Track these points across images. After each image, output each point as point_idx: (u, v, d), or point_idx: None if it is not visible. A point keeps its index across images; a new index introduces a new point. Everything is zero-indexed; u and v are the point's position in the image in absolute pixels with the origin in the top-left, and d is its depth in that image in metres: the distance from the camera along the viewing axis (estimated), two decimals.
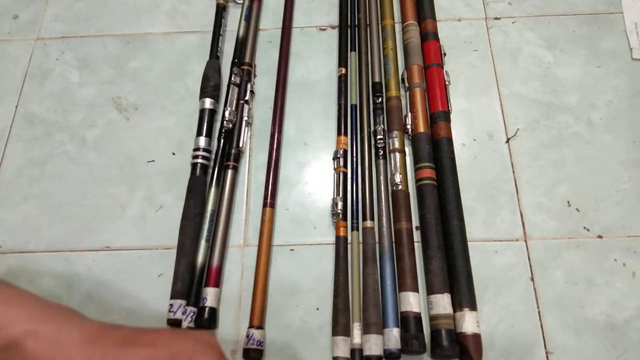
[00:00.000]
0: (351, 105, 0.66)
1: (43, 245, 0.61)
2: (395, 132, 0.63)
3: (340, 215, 0.58)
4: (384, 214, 0.58)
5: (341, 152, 0.62)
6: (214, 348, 0.40)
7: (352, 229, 0.58)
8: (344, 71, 0.68)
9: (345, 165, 0.62)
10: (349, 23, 0.73)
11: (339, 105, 0.66)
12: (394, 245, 0.57)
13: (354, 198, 0.60)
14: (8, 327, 0.33)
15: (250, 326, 0.54)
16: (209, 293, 0.55)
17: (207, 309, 0.54)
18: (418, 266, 0.56)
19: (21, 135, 0.69)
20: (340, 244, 0.57)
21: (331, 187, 0.62)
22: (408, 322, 0.51)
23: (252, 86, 0.69)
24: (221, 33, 0.73)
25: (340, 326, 0.52)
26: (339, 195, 0.60)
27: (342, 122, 0.65)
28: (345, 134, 0.64)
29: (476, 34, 0.72)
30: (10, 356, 0.33)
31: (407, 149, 0.63)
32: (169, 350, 0.37)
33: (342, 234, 0.58)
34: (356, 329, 0.52)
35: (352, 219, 0.59)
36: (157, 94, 0.71)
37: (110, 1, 0.79)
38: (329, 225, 0.61)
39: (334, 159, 0.63)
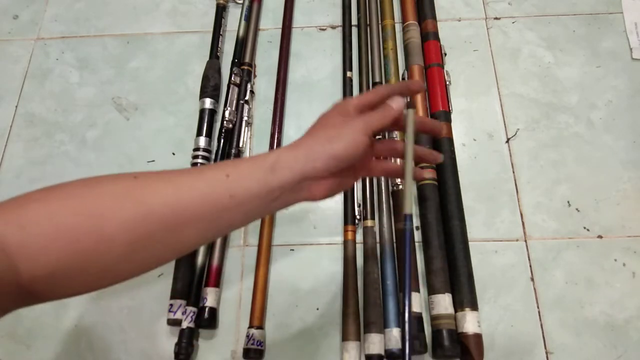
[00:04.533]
0: None
1: None
2: (396, 132, 0.62)
3: (357, 219, 0.59)
4: (384, 213, 0.58)
5: None
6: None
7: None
8: (350, 74, 0.68)
9: None
10: (353, 23, 0.73)
11: None
12: (394, 245, 0.57)
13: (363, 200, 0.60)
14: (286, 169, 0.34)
15: (250, 326, 0.54)
16: (209, 293, 0.55)
17: (207, 309, 0.54)
18: (419, 266, 0.56)
19: (21, 135, 0.69)
20: (349, 248, 0.57)
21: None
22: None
23: (252, 86, 0.69)
24: (221, 33, 0.73)
25: (350, 332, 0.52)
26: (354, 200, 0.60)
27: None
28: None
29: (476, 34, 0.72)
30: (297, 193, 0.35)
31: None
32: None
33: (349, 237, 0.58)
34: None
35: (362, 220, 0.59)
36: (157, 94, 0.71)
37: (110, 1, 0.79)
38: (330, 226, 0.60)
39: None
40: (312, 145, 0.35)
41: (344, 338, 0.52)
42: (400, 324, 0.50)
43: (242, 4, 0.74)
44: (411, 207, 0.40)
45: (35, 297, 0.29)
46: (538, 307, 0.55)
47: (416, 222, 0.59)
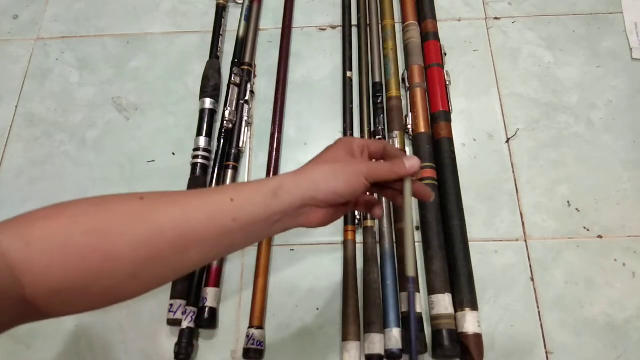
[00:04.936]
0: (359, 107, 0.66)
1: None
2: (396, 132, 0.63)
3: (357, 219, 0.59)
4: (384, 214, 0.58)
5: None
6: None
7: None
8: (350, 74, 0.68)
9: None
10: (353, 23, 0.73)
11: (345, 107, 0.66)
12: (394, 245, 0.57)
13: None
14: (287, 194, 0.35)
15: (250, 326, 0.54)
16: (209, 293, 0.55)
17: (207, 309, 0.54)
18: (419, 266, 0.56)
19: (21, 135, 0.69)
20: (349, 248, 0.57)
21: None
22: (409, 322, 0.51)
23: (252, 86, 0.69)
24: (221, 33, 0.73)
25: (350, 332, 0.52)
26: None
27: (349, 125, 0.65)
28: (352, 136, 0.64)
29: (476, 34, 0.72)
30: (295, 218, 0.37)
31: (408, 149, 0.63)
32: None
33: (349, 237, 0.58)
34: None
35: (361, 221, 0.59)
36: (157, 94, 0.71)
37: (110, 1, 0.79)
38: (330, 226, 0.60)
39: None
40: (315, 176, 0.37)
41: (344, 338, 0.52)
42: None
43: (242, 4, 0.74)
44: (415, 269, 0.42)
45: (39, 313, 0.29)
46: (538, 307, 0.55)
47: (416, 222, 0.59)
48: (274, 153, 0.64)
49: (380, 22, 0.72)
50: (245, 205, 0.34)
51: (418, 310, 0.53)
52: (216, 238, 0.33)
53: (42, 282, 0.28)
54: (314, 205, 0.37)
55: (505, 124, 0.65)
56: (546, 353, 0.53)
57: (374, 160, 0.41)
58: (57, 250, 0.28)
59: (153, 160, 0.66)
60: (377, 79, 0.67)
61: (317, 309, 0.56)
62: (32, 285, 0.28)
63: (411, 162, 0.39)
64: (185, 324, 0.53)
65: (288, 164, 0.65)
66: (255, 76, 0.71)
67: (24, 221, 0.29)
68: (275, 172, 0.63)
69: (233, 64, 0.69)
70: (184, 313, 0.54)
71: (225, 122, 0.64)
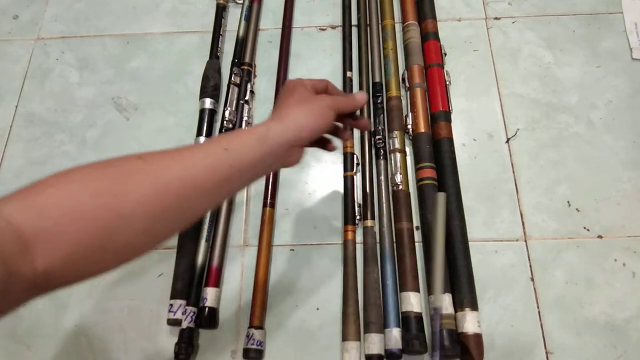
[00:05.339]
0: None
1: None
2: (396, 132, 0.63)
3: (357, 219, 0.59)
4: (384, 214, 0.58)
5: (349, 156, 0.62)
6: None
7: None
8: (350, 74, 0.68)
9: (353, 169, 0.62)
10: (353, 23, 0.73)
11: None
12: (394, 245, 0.57)
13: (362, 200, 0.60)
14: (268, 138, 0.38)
15: (250, 326, 0.54)
16: (209, 293, 0.55)
17: (207, 309, 0.54)
18: (419, 266, 0.56)
19: (21, 135, 0.69)
20: (349, 248, 0.57)
21: (331, 188, 0.62)
22: (409, 322, 0.51)
23: (252, 86, 0.69)
24: (221, 33, 0.73)
25: (350, 332, 0.52)
26: (354, 200, 0.60)
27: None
28: (352, 136, 0.64)
29: (476, 34, 0.72)
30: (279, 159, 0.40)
31: (408, 149, 0.63)
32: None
33: (349, 237, 0.58)
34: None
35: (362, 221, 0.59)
36: (157, 94, 0.71)
37: (110, 1, 0.79)
38: (330, 226, 0.60)
39: (344, 164, 0.63)
40: (297, 119, 0.40)
41: (344, 338, 0.52)
42: None
43: (242, 4, 0.74)
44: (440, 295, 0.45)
45: (51, 284, 0.30)
46: (538, 307, 0.55)
47: (416, 222, 0.59)
48: None
49: (380, 22, 0.72)
50: (239, 153, 0.37)
51: (418, 310, 0.52)
52: (216, 185, 0.36)
53: (58, 248, 0.28)
54: (298, 145, 0.41)
55: (505, 124, 0.65)
56: (546, 353, 0.53)
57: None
58: (69, 215, 0.29)
59: None
60: (377, 79, 0.67)
61: (317, 309, 0.56)
62: (47, 254, 0.28)
63: (361, 95, 0.46)
64: (185, 324, 0.53)
65: None
66: (255, 76, 0.71)
67: (32, 191, 0.30)
68: (275, 172, 0.63)
69: (233, 64, 0.69)
70: (184, 313, 0.54)
71: (225, 122, 0.64)
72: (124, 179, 0.32)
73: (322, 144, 0.48)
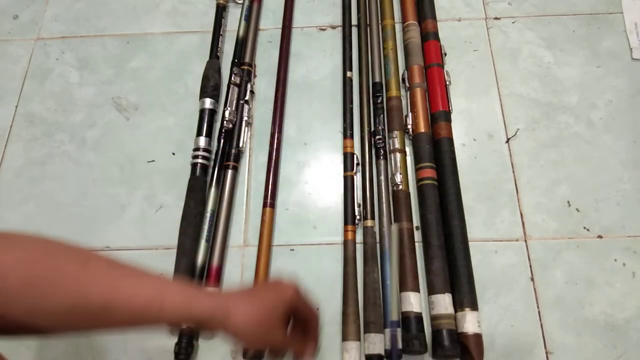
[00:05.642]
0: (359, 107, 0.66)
1: None
2: (396, 132, 0.63)
3: (357, 219, 0.59)
4: (384, 214, 0.58)
5: (349, 156, 0.62)
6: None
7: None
8: (350, 74, 0.68)
9: (353, 169, 0.62)
10: (353, 23, 0.73)
11: (345, 107, 0.66)
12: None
13: (363, 200, 0.60)
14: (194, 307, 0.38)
15: None
16: None
17: None
18: (419, 266, 0.56)
19: (21, 135, 0.69)
20: (349, 248, 0.57)
21: (331, 187, 0.62)
22: (409, 322, 0.51)
23: (252, 86, 0.69)
24: (221, 33, 0.73)
25: (350, 332, 0.52)
26: (354, 200, 0.60)
27: (349, 125, 0.65)
28: (352, 137, 0.64)
29: (476, 34, 0.72)
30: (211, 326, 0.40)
31: (408, 149, 0.63)
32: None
33: (349, 237, 0.58)
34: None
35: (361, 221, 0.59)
36: (157, 94, 0.71)
37: (110, 1, 0.79)
38: (330, 226, 0.60)
39: (344, 164, 0.63)
40: (243, 330, 0.40)
41: (344, 338, 0.52)
42: None
43: (242, 4, 0.74)
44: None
45: None
46: (538, 307, 0.55)
47: (416, 222, 0.59)
48: (274, 153, 0.64)
49: (380, 22, 0.72)
50: (170, 316, 0.37)
51: (418, 310, 0.52)
52: (129, 326, 0.37)
53: None
54: (224, 333, 0.41)
55: (505, 124, 0.65)
56: (546, 353, 0.53)
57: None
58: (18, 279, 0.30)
59: (153, 160, 0.66)
60: (377, 79, 0.67)
61: (317, 309, 0.56)
62: None
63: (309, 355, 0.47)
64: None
65: (288, 164, 0.65)
66: (255, 76, 0.71)
67: None
68: (275, 172, 0.63)
69: (233, 64, 0.69)
70: None
71: (225, 122, 0.64)
72: (58, 281, 0.33)
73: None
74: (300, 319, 0.47)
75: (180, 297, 0.38)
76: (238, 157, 0.64)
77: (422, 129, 0.62)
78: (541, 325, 0.54)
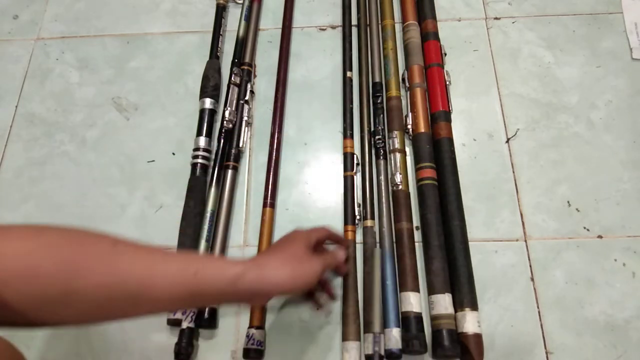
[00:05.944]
0: (359, 108, 0.66)
1: None
2: (396, 132, 0.63)
3: (357, 219, 0.59)
4: (384, 214, 0.58)
5: (349, 156, 0.62)
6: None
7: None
8: (350, 74, 0.68)
9: (353, 169, 0.62)
10: (353, 23, 0.73)
11: (345, 107, 0.66)
12: (394, 245, 0.57)
13: (362, 200, 0.60)
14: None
15: (250, 326, 0.54)
16: None
17: (207, 309, 0.54)
18: (419, 266, 0.56)
19: (21, 135, 0.69)
20: (349, 248, 0.57)
21: (331, 187, 0.62)
22: (409, 322, 0.52)
23: (252, 86, 0.69)
24: (221, 33, 0.73)
25: (350, 332, 0.52)
26: (354, 200, 0.60)
27: (349, 125, 0.65)
28: (352, 137, 0.64)
29: (476, 34, 0.72)
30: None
31: (408, 149, 0.63)
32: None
33: (349, 237, 0.58)
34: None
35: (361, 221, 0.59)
36: (157, 94, 0.71)
37: (110, 1, 0.79)
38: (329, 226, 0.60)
39: (344, 164, 0.63)
40: (278, 275, 0.41)
41: (344, 338, 0.52)
42: None
43: (242, 4, 0.74)
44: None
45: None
46: (538, 307, 0.55)
47: (416, 222, 0.59)
48: (274, 153, 0.64)
49: (380, 22, 0.72)
50: (205, 284, 0.37)
51: (418, 310, 0.52)
52: (169, 301, 0.36)
53: (7, 296, 0.29)
54: (267, 297, 0.43)
55: (505, 124, 0.65)
56: (546, 353, 0.53)
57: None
58: (24, 271, 0.30)
59: (153, 160, 0.66)
60: (377, 79, 0.67)
61: (317, 309, 0.56)
62: None
63: (341, 253, 0.50)
64: (185, 324, 0.53)
65: (288, 164, 0.65)
66: (255, 76, 0.71)
67: (1, 235, 0.31)
68: (275, 172, 0.63)
69: (233, 64, 0.69)
70: (184, 313, 0.54)
71: (225, 122, 0.64)
72: (87, 260, 0.32)
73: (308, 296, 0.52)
74: (321, 244, 0.50)
75: (211, 264, 0.38)
76: (238, 157, 0.64)
77: (422, 129, 0.62)
78: (541, 325, 0.54)
